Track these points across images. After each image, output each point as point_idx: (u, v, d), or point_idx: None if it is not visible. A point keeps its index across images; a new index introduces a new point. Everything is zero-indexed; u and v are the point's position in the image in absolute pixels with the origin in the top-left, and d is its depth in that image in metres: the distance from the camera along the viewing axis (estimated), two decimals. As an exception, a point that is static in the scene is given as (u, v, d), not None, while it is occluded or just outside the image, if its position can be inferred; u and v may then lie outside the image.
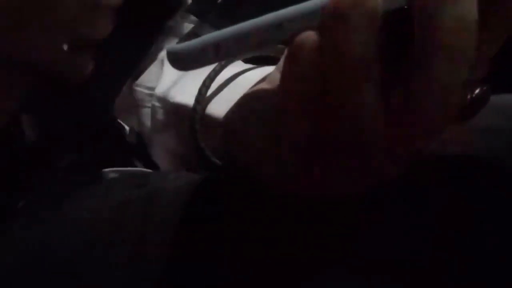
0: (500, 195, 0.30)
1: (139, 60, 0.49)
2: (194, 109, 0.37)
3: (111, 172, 0.43)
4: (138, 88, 0.48)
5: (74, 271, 0.35)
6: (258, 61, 0.40)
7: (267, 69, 0.36)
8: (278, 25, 0.23)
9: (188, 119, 0.38)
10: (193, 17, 0.54)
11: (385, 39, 0.23)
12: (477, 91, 0.26)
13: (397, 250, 0.29)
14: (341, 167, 0.26)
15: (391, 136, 0.24)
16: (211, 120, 0.37)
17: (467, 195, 0.30)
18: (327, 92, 0.24)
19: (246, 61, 0.41)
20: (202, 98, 0.37)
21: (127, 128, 0.50)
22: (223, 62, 0.38)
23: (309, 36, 0.23)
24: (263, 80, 0.33)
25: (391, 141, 0.24)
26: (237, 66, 0.39)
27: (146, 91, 0.47)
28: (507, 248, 0.29)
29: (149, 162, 0.46)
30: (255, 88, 0.33)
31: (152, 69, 0.48)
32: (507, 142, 0.31)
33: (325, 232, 0.30)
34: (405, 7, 0.23)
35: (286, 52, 0.24)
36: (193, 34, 0.25)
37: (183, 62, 0.25)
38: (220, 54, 0.24)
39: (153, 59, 0.49)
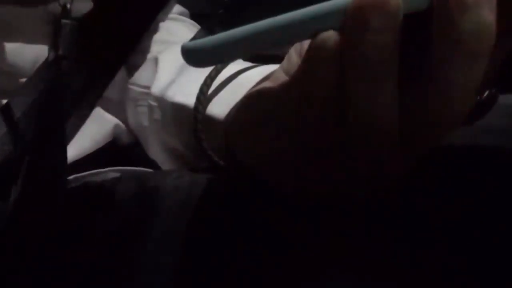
0: (501, 195, 0.30)
1: (129, 54, 0.49)
2: (196, 108, 0.37)
3: (111, 171, 0.43)
4: (132, 87, 0.48)
5: (75, 271, 0.35)
6: (258, 60, 0.40)
7: (269, 68, 0.36)
8: (298, 24, 0.23)
9: (190, 119, 0.38)
10: (181, 8, 0.54)
11: (403, 41, 0.23)
12: (486, 93, 0.26)
13: (397, 250, 0.29)
14: (351, 169, 0.26)
15: (404, 136, 0.24)
16: (212, 120, 0.37)
17: (468, 194, 0.30)
18: (345, 92, 0.24)
19: (246, 59, 0.41)
20: (204, 97, 0.37)
21: (123, 126, 0.50)
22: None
23: (330, 35, 0.24)
24: (265, 79, 0.33)
25: (404, 141, 0.25)
26: (238, 64, 0.39)
27: (141, 90, 0.46)
28: (507, 249, 0.29)
29: (147, 162, 0.46)
30: (258, 87, 0.32)
31: (146, 67, 0.48)
32: (508, 141, 0.32)
33: (325, 232, 0.30)
34: (425, 10, 0.23)
35: (305, 51, 0.24)
36: (205, 32, 0.24)
37: (198, 59, 0.24)
38: (237, 52, 0.24)
39: (145, 56, 0.49)
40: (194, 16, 0.54)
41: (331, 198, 0.28)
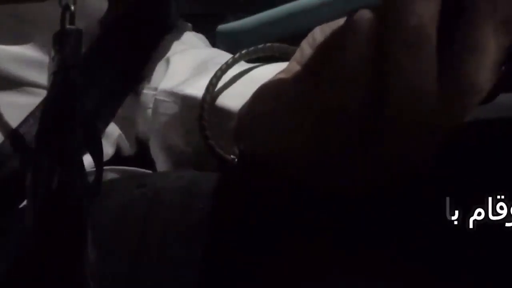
0: (501, 195, 0.31)
1: (143, 67, 0.48)
2: (203, 98, 0.37)
3: (110, 171, 0.42)
4: (145, 91, 0.47)
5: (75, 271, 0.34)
6: (265, 60, 0.40)
7: (280, 65, 0.36)
8: (332, 4, 0.24)
9: (196, 110, 0.38)
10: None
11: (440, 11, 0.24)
12: (502, 68, 0.27)
13: (396, 250, 0.29)
14: (379, 155, 0.27)
15: (444, 104, 0.25)
16: (224, 112, 0.37)
17: (468, 195, 0.31)
18: (385, 64, 0.25)
19: (250, 61, 0.41)
20: (213, 88, 0.37)
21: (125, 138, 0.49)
22: (236, 56, 0.38)
23: (366, 13, 0.25)
24: (279, 72, 0.33)
25: (443, 110, 0.25)
26: (246, 64, 0.40)
27: (152, 92, 0.46)
28: (508, 249, 0.30)
29: (149, 164, 0.45)
30: (273, 79, 0.33)
31: (157, 70, 0.48)
32: (508, 141, 0.33)
33: (329, 230, 0.30)
34: None
35: (345, 28, 0.25)
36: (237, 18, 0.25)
37: (232, 40, 0.25)
38: (271, 31, 0.25)
39: (155, 64, 0.49)
40: (185, 17, 0.54)
41: (349, 189, 0.29)
